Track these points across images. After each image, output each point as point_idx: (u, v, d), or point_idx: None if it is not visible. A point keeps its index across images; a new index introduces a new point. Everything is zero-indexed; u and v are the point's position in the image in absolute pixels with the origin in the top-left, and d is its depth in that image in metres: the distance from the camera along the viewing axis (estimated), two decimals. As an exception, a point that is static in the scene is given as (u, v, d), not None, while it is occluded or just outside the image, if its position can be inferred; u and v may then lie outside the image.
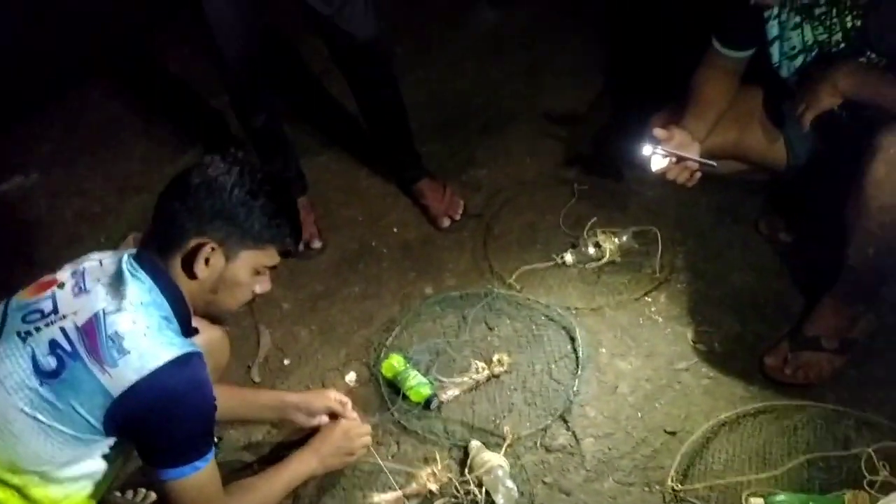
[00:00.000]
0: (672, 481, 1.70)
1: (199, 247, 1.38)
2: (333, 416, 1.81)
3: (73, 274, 1.40)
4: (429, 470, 1.75)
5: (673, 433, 1.82)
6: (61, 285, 1.39)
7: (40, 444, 1.32)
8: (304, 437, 1.83)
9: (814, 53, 1.83)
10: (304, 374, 2.09)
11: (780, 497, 1.60)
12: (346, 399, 1.84)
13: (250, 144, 2.40)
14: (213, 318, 1.52)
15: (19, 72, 2.95)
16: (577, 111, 2.83)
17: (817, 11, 1.76)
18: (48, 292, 1.38)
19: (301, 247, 2.41)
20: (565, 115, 2.82)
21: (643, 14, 3.07)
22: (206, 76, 2.47)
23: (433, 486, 1.73)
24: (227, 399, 1.52)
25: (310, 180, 2.58)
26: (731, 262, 2.21)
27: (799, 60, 1.87)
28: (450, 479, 1.74)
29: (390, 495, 1.73)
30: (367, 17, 2.16)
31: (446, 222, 2.46)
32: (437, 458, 1.79)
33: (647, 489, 1.73)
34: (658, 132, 1.92)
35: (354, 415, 1.82)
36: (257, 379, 2.09)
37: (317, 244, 2.44)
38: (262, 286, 1.49)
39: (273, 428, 1.95)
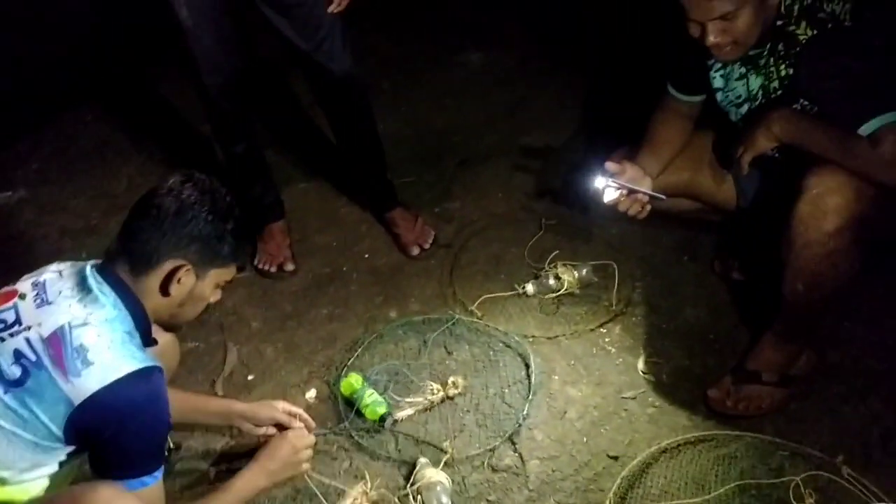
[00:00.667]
0: (610, 503, 1.76)
1: (175, 269, 1.47)
2: (281, 427, 1.84)
3: (34, 285, 1.46)
4: (360, 488, 1.79)
5: (615, 458, 1.88)
6: (22, 296, 1.45)
7: (2, 450, 1.37)
8: (261, 445, 1.83)
9: (759, 101, 1.92)
10: (267, 390, 2.14)
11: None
12: (296, 410, 1.86)
13: (231, 170, 2.49)
14: (170, 327, 1.61)
15: (14, 93, 3.04)
16: (552, 149, 2.94)
17: (762, 62, 1.86)
18: (10, 303, 1.44)
19: (274, 269, 2.51)
20: (539, 151, 2.92)
21: (620, 59, 3.20)
22: (193, 103, 2.57)
23: None
24: (177, 402, 1.58)
25: (290, 206, 2.67)
26: (686, 298, 2.29)
27: (745, 108, 1.96)
28: (383, 495, 1.79)
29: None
30: (343, 53, 2.27)
31: (416, 251, 2.55)
32: (367, 476, 1.83)
33: (586, 510, 1.78)
34: (610, 165, 2.01)
35: (299, 425, 1.84)
36: (221, 393, 2.15)
37: (290, 267, 2.52)
38: (215, 296, 1.59)
39: (231, 438, 2.00)
